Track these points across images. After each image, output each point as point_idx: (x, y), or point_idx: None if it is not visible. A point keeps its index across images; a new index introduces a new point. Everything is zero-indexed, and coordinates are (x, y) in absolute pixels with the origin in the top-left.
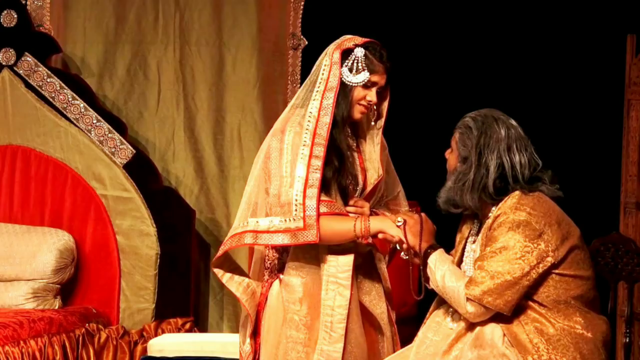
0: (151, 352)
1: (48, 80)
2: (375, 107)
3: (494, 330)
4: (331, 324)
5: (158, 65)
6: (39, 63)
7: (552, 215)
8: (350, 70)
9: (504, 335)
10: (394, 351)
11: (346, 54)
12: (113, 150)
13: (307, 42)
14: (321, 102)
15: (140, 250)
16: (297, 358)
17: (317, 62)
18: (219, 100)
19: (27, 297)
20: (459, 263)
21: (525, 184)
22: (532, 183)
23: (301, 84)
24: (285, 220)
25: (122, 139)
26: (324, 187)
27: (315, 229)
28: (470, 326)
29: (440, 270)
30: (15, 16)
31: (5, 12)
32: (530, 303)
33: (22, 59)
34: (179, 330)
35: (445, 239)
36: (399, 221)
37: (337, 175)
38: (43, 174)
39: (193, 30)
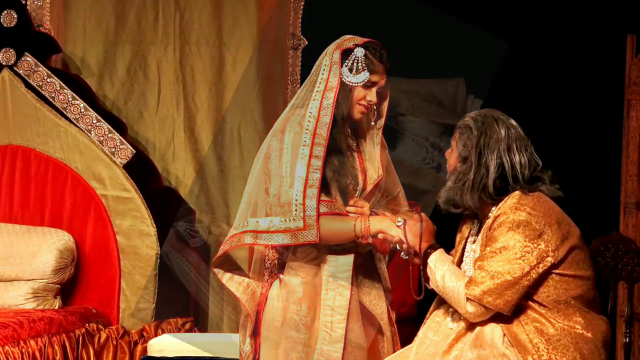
0: (151, 352)
1: (48, 80)
2: (375, 107)
3: (494, 330)
4: (331, 324)
5: (158, 65)
6: (39, 63)
7: (552, 215)
8: (350, 70)
9: (504, 335)
10: (394, 351)
11: (346, 54)
12: (113, 150)
13: (307, 42)
14: (321, 102)
15: (140, 250)
16: (297, 358)
17: (317, 62)
18: (219, 100)
19: (27, 297)
20: (459, 263)
21: (525, 184)
22: (532, 183)
23: (301, 84)
24: (285, 220)
25: (122, 139)
26: (324, 187)
27: (315, 229)
28: (470, 326)
29: (440, 270)
30: (15, 16)
31: (5, 12)
32: (530, 303)
33: (22, 59)
34: (179, 330)
35: (445, 239)
36: (399, 221)
37: (337, 175)
38: (43, 174)
39: (193, 30)
